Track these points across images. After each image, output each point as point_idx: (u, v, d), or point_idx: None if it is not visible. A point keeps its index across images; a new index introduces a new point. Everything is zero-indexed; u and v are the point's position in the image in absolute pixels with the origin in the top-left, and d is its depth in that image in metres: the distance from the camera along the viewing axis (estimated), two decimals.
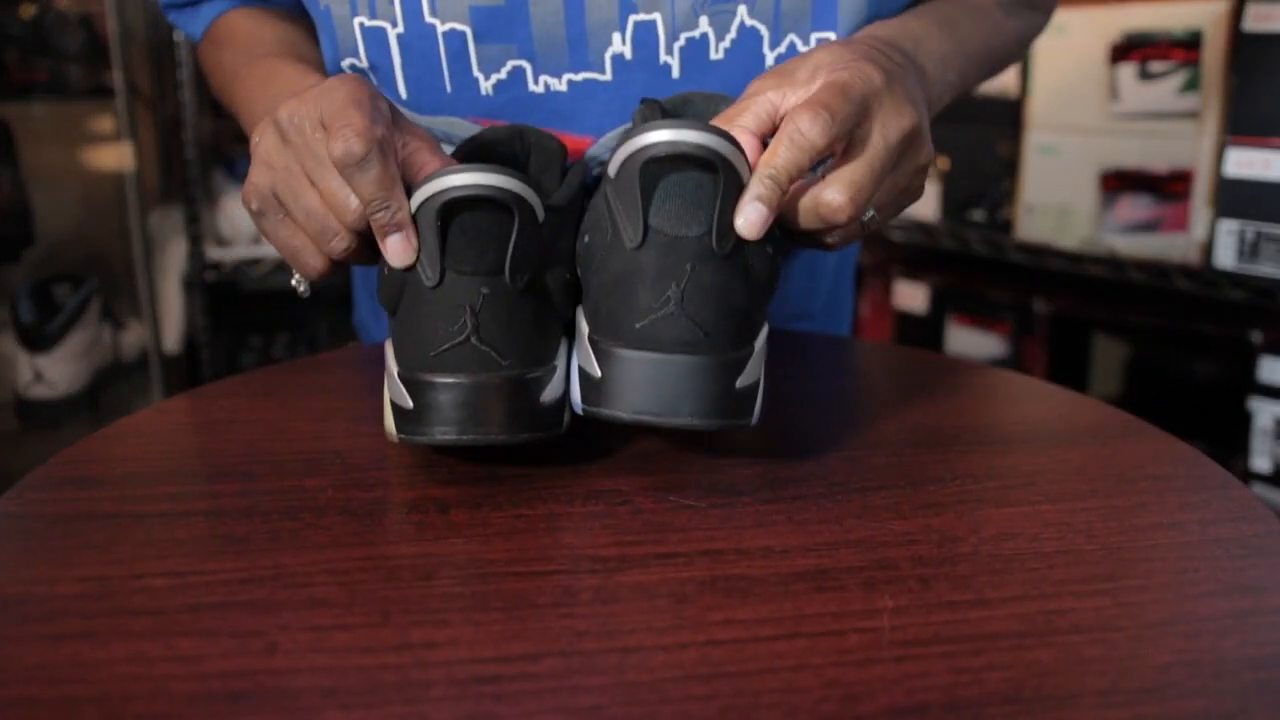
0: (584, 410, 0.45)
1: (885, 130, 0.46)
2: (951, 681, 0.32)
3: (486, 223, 0.42)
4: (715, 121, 0.47)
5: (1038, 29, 0.70)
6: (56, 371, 1.63)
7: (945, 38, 0.58)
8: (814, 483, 0.46)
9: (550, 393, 0.45)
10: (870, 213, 0.48)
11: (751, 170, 0.43)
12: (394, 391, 0.44)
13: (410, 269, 0.43)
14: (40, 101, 1.72)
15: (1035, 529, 0.43)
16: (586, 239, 0.46)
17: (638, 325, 0.42)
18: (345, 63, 0.59)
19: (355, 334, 0.83)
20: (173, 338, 1.73)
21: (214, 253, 1.55)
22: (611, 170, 0.43)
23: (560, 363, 0.46)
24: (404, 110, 0.60)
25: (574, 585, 0.38)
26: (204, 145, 1.48)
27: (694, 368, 0.42)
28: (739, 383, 0.43)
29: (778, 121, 0.47)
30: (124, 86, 1.61)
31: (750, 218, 0.43)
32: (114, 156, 1.73)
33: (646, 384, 0.42)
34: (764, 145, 0.46)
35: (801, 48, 0.57)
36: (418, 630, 0.35)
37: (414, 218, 0.42)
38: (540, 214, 0.43)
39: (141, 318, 1.71)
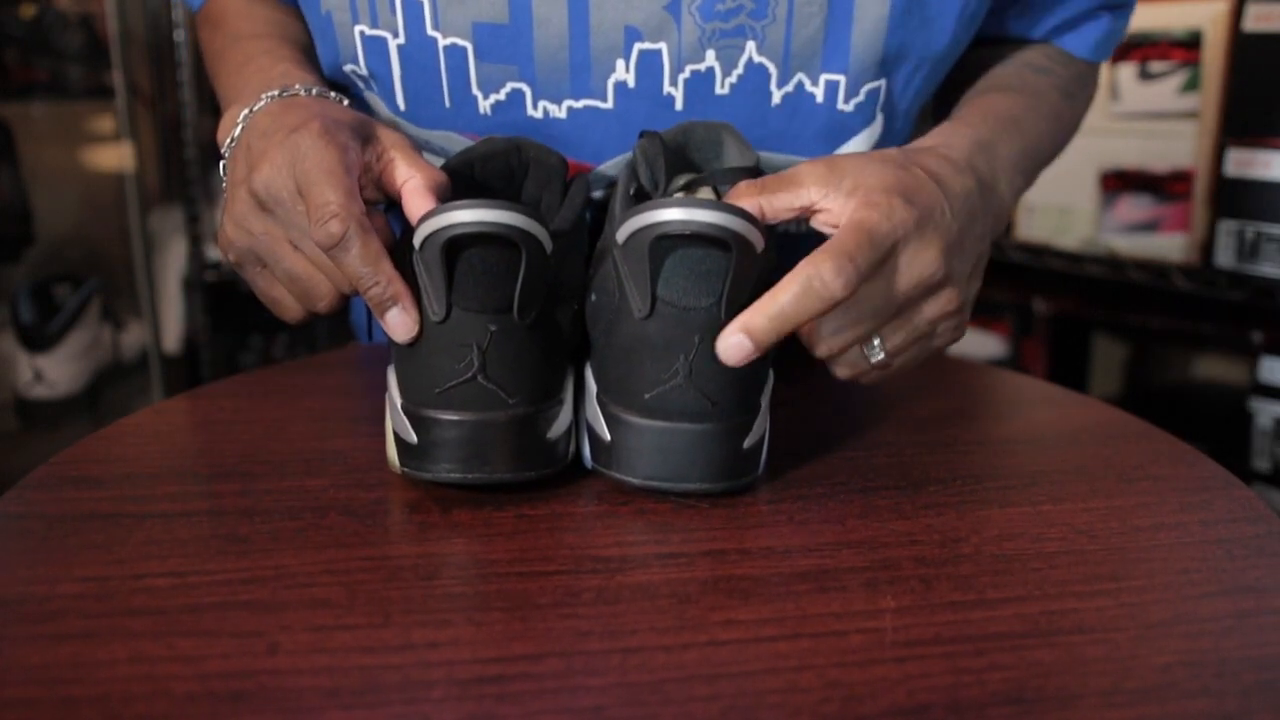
0: (593, 468, 0.45)
1: (895, 277, 0.45)
2: (953, 682, 0.32)
3: (494, 259, 0.41)
4: (746, 190, 0.45)
5: (1088, 106, 0.68)
6: (56, 371, 1.63)
7: (1014, 139, 0.56)
8: (816, 483, 0.46)
9: (556, 428, 0.44)
10: (879, 354, 0.46)
11: (763, 235, 0.41)
12: (397, 423, 0.44)
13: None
14: (40, 101, 1.72)
15: (1037, 529, 0.43)
16: (594, 298, 0.45)
17: (646, 396, 0.42)
18: (345, 68, 0.58)
19: (354, 334, 0.83)
20: (173, 338, 1.73)
21: (214, 253, 1.55)
22: (620, 237, 0.42)
23: (567, 396, 0.46)
24: (399, 120, 0.60)
25: (576, 585, 0.38)
26: (204, 145, 1.47)
27: (702, 436, 0.42)
28: (746, 443, 0.43)
29: (806, 218, 0.46)
30: (124, 86, 1.61)
31: (732, 352, 0.41)
32: (114, 156, 1.73)
33: (656, 452, 0.42)
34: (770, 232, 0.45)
35: (810, 88, 0.55)
36: (419, 630, 0.35)
37: (419, 252, 0.41)
38: (549, 247, 0.42)
39: (141, 318, 1.71)
